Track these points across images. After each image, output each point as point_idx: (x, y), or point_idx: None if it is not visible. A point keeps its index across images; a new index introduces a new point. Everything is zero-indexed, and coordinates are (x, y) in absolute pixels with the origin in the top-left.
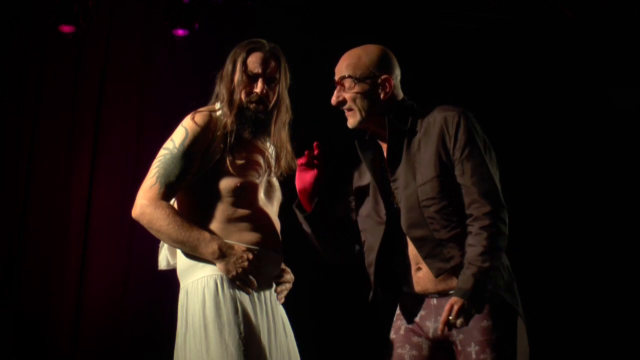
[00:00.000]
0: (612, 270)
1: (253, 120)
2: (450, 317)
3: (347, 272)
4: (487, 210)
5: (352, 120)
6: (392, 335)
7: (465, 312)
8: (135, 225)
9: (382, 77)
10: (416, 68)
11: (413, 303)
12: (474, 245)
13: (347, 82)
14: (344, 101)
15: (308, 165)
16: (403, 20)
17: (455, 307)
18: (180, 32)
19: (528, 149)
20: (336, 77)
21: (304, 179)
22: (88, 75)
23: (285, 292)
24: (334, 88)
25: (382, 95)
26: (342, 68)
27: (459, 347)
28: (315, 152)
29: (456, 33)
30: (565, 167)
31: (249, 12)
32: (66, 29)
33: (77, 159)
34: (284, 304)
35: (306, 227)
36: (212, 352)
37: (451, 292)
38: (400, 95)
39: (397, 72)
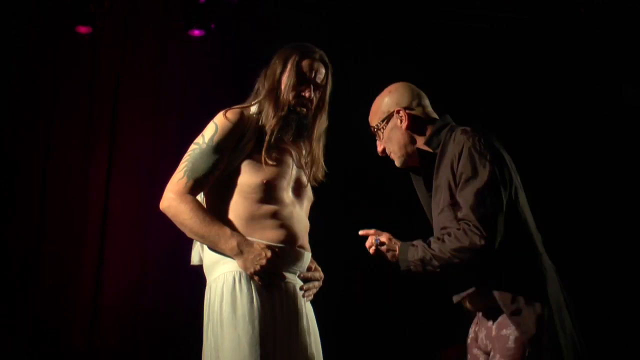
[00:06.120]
0: (618, 271)
1: (297, 124)
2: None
3: (378, 273)
4: (469, 225)
5: (397, 163)
6: (467, 342)
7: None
8: (152, 225)
9: (394, 111)
10: (429, 68)
11: (472, 316)
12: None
13: (378, 132)
14: (384, 150)
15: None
16: (418, 20)
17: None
18: (197, 32)
19: (544, 147)
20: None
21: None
22: (104, 76)
23: (313, 290)
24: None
25: (403, 127)
26: (370, 121)
27: (490, 357)
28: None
29: (469, 33)
30: (581, 165)
31: (265, 12)
32: (83, 29)
33: (94, 159)
34: (312, 302)
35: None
36: (226, 347)
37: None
38: (429, 118)
39: (415, 101)
